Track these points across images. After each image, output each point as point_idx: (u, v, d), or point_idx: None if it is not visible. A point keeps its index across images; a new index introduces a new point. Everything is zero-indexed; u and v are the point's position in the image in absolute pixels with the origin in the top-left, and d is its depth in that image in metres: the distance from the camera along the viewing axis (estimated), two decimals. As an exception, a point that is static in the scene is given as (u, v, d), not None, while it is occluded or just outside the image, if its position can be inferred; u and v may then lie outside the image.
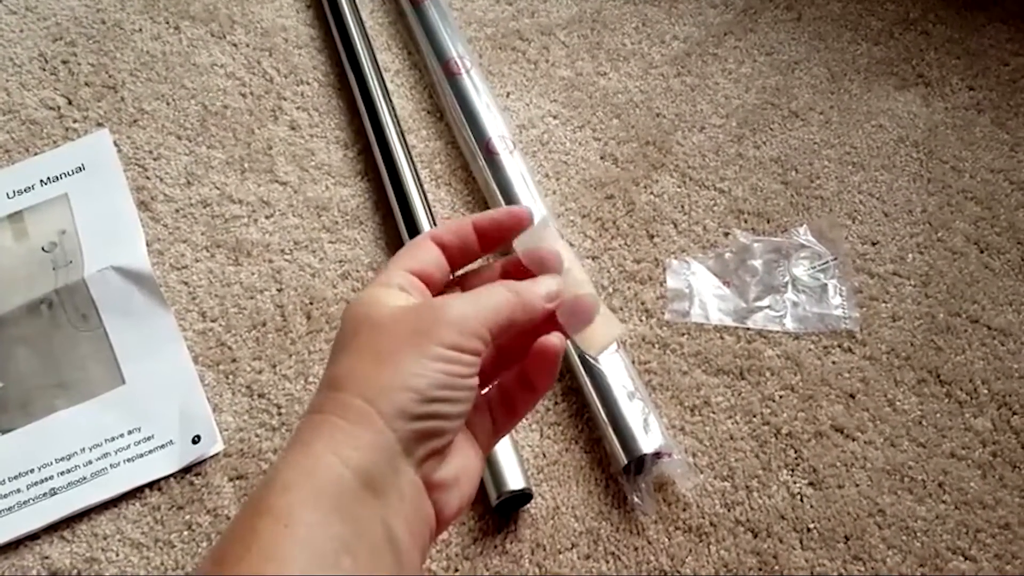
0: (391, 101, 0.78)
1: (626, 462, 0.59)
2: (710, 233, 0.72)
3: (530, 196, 0.71)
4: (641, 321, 0.68)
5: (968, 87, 0.81)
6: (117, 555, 0.58)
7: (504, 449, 0.59)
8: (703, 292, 0.68)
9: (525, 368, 0.40)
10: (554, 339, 0.38)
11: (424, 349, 0.34)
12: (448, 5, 0.85)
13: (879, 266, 0.70)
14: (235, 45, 0.83)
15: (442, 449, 0.35)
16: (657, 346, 0.66)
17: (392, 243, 0.71)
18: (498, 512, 0.59)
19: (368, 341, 0.35)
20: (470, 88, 0.78)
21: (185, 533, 0.59)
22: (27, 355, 0.64)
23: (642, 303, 0.69)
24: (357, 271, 0.70)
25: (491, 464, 0.59)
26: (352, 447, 0.33)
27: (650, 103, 0.80)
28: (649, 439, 0.59)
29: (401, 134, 0.76)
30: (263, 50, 0.83)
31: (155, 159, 0.76)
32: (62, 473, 0.59)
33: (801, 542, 0.59)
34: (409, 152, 0.75)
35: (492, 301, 0.37)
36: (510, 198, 0.71)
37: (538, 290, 0.39)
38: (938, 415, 0.64)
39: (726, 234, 0.72)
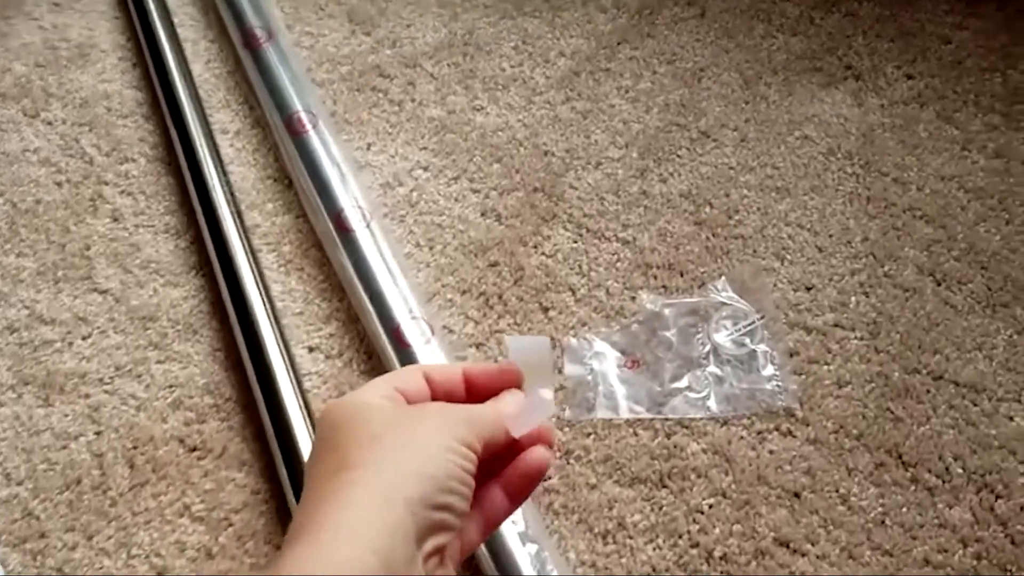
0: (226, 174, 0.63)
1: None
2: (614, 297, 0.57)
3: (393, 283, 0.56)
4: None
5: (906, 75, 0.66)
6: None
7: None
8: (608, 377, 0.53)
9: (507, 480, 0.36)
10: (543, 452, 0.36)
11: (443, 440, 0.33)
12: (293, 44, 0.69)
13: (816, 317, 0.55)
14: (50, 123, 0.67)
15: (443, 548, 0.33)
16: (558, 455, 0.51)
17: (232, 355, 0.56)
18: None
19: (382, 430, 0.33)
20: (318, 148, 0.62)
21: None
22: None
23: (536, 400, 0.53)
24: (191, 397, 0.55)
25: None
26: (376, 529, 0.30)
27: (536, 139, 0.64)
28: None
29: (237, 212, 0.60)
30: (82, 125, 0.67)
31: (-50, 279, 0.60)
32: None
33: None
34: (246, 236, 0.59)
35: (488, 416, 0.35)
36: (368, 284, 0.56)
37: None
38: (904, 510, 0.49)
39: (633, 298, 0.57)
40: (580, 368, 0.54)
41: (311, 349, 0.57)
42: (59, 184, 0.65)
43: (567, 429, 0.53)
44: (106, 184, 0.65)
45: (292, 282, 0.60)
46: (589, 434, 0.52)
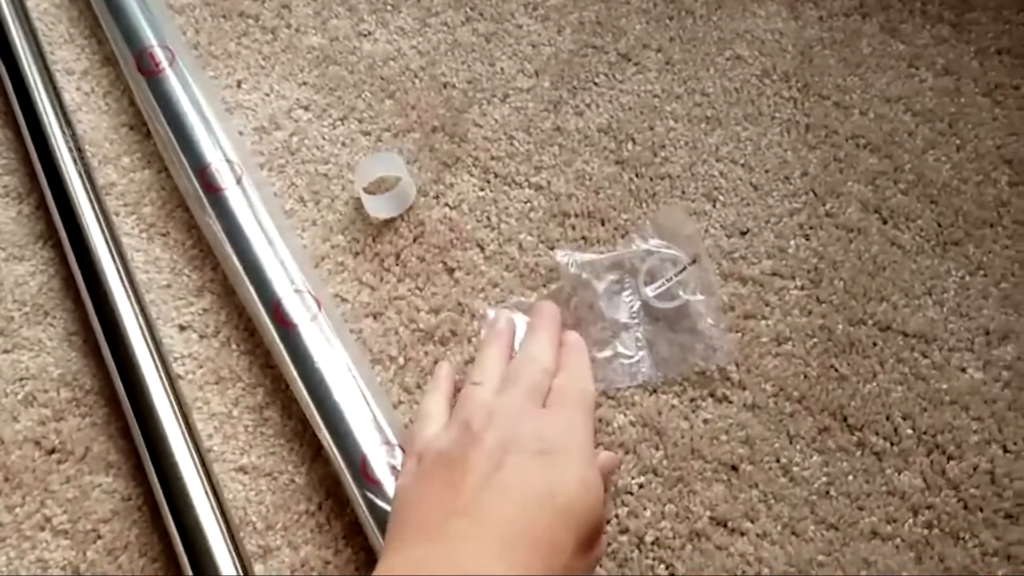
0: (71, 124, 0.56)
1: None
2: (528, 253, 0.53)
3: (271, 251, 0.50)
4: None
5: (845, -18, 0.61)
6: None
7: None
8: None
9: None
10: None
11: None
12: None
13: (753, 266, 0.52)
14: None
15: None
16: (469, 438, 0.47)
17: (92, 339, 0.50)
18: None
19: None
20: (176, 90, 0.56)
21: None
22: None
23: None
24: (45, 391, 0.49)
25: None
26: None
27: (433, 69, 0.59)
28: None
29: (85, 169, 0.53)
30: None
31: None
32: None
33: None
34: (100, 201, 0.53)
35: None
36: (242, 253, 0.51)
37: None
38: (850, 478, 0.47)
39: (551, 248, 0.52)
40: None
41: (182, 328, 0.51)
42: None
43: (479, 407, 0.49)
44: (-71, 140, 0.57)
45: (156, 250, 0.54)
46: (504, 411, 0.48)
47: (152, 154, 0.57)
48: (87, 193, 0.53)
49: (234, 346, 0.51)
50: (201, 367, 0.51)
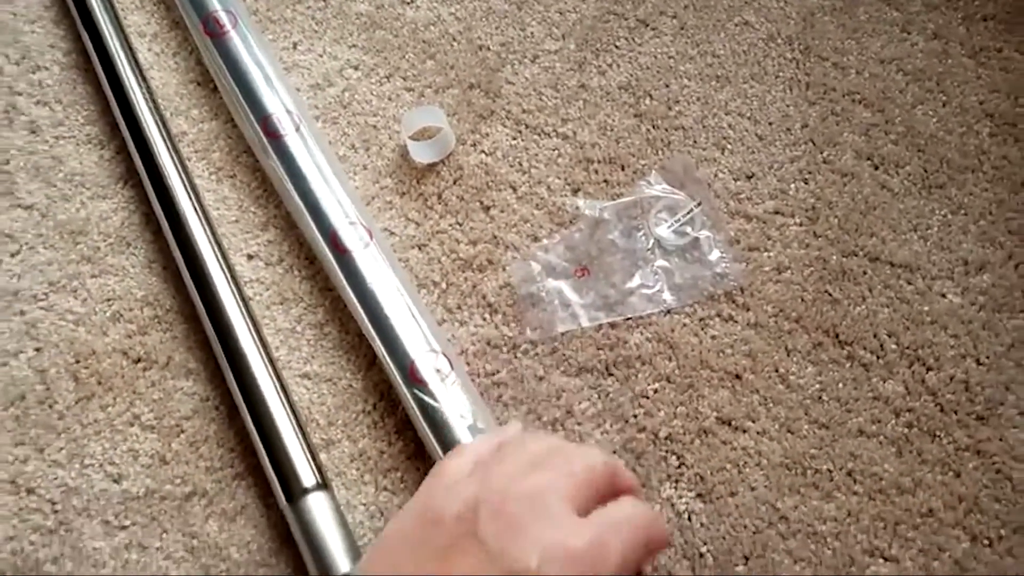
0: (145, 80, 0.65)
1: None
2: (556, 194, 0.62)
3: (327, 188, 0.60)
4: (484, 320, 0.58)
5: (845, -44, 0.71)
6: None
7: (326, 523, 0.51)
8: (563, 291, 0.58)
9: None
10: None
11: None
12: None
13: (756, 206, 0.61)
14: (-52, 30, 0.69)
15: None
16: (505, 349, 0.57)
17: (170, 266, 0.60)
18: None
19: None
20: (240, 49, 0.66)
21: None
22: None
23: (483, 297, 0.59)
24: (130, 310, 0.59)
25: (312, 545, 0.50)
26: None
27: (469, 33, 0.68)
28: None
29: (161, 120, 0.63)
30: (-16, 32, 0.69)
31: None
32: None
33: (694, 571, 0.51)
34: (173, 143, 0.63)
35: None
36: (303, 192, 0.61)
37: None
38: (840, 385, 0.56)
39: (575, 191, 0.62)
40: (533, 285, 0.59)
41: (250, 257, 0.61)
42: (-34, 97, 0.67)
43: (512, 325, 0.58)
44: (19, 95, 0.67)
45: (225, 190, 0.64)
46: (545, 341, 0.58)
47: (218, 107, 0.67)
48: (163, 140, 0.63)
49: (296, 272, 0.61)
50: (267, 290, 0.61)
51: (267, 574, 0.52)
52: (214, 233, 0.60)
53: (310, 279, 0.61)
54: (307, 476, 0.52)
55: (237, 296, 0.58)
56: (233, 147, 0.65)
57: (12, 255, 0.61)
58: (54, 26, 0.70)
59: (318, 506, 0.52)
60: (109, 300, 0.60)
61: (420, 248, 0.61)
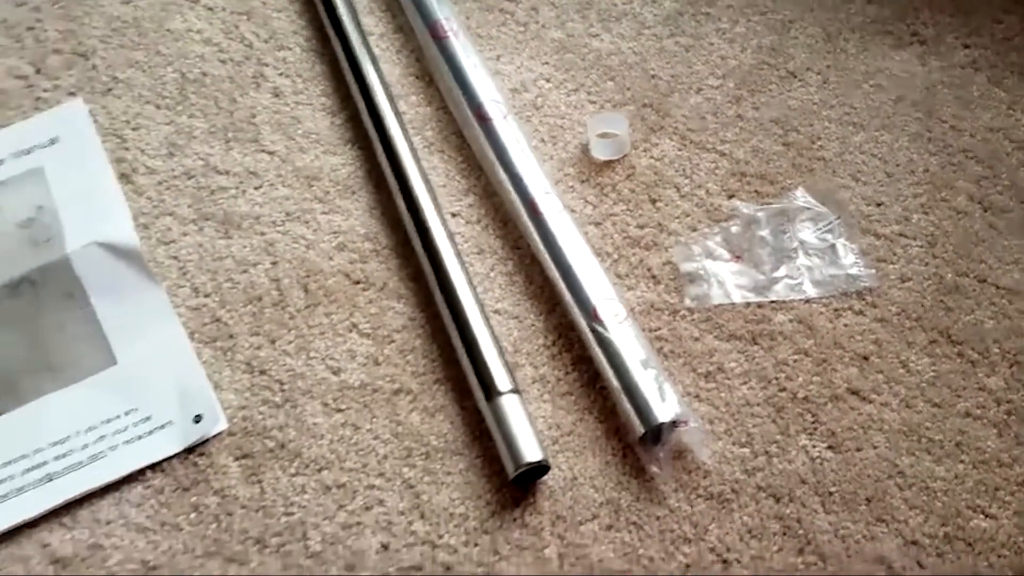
0: (378, 66, 0.77)
1: (643, 431, 0.59)
2: (713, 197, 0.72)
3: (527, 163, 0.71)
4: (648, 288, 0.68)
5: (963, 45, 0.82)
6: (122, 540, 0.57)
7: (518, 420, 0.59)
8: (719, 272, 0.68)
9: None
10: None
11: None
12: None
13: (884, 227, 0.71)
14: (211, 9, 0.81)
15: None
16: (666, 312, 0.67)
17: (388, 212, 0.70)
18: (515, 485, 0.59)
19: None
20: (458, 51, 0.77)
21: (192, 515, 0.58)
22: (10, 338, 0.62)
23: (648, 269, 0.69)
24: (353, 242, 0.69)
25: (506, 436, 0.59)
26: None
27: (644, 64, 0.80)
28: (665, 407, 0.59)
29: (391, 99, 0.75)
30: (240, 14, 0.81)
31: (134, 129, 0.74)
32: (57, 458, 0.58)
33: (823, 505, 0.60)
34: (400, 118, 0.74)
35: None
36: (507, 165, 0.71)
37: None
38: (951, 375, 0.65)
39: (730, 196, 0.72)
40: (693, 264, 0.69)
41: (453, 215, 0.71)
42: (223, 62, 0.79)
43: (673, 294, 0.68)
44: (266, 66, 0.79)
45: (435, 161, 0.74)
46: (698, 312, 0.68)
47: (432, 96, 0.78)
48: (391, 109, 0.74)
49: (491, 231, 0.71)
50: (467, 242, 0.71)
51: (450, 415, 0.61)
52: (430, 187, 0.71)
53: (502, 237, 0.71)
54: (503, 381, 0.61)
55: (447, 234, 0.68)
56: (443, 128, 0.76)
57: (256, 188, 0.72)
58: (297, 16, 0.82)
59: (511, 406, 0.61)
60: (335, 233, 0.70)
61: (596, 225, 0.71)
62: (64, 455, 0.58)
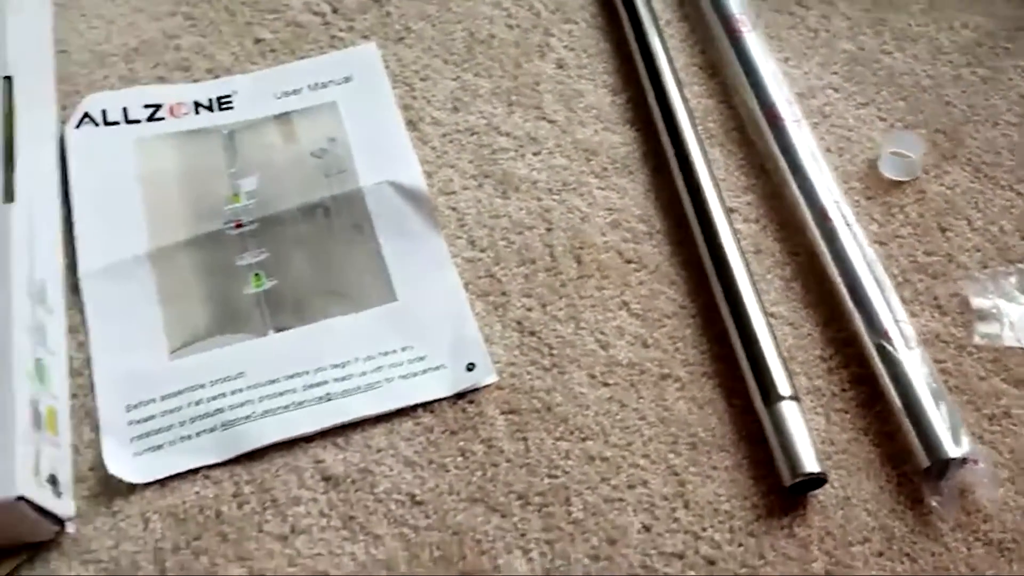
0: (668, 50, 0.76)
1: (929, 463, 0.56)
2: (1007, 236, 0.69)
3: (818, 170, 0.68)
4: (934, 317, 0.65)
5: None
6: (391, 470, 0.57)
7: (798, 428, 0.57)
8: (1011, 314, 0.64)
9: None
10: None
11: None
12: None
13: None
14: (501, -25, 0.81)
15: None
16: (952, 346, 0.63)
17: (663, 197, 0.69)
18: (786, 493, 0.56)
19: None
20: (752, 48, 0.75)
21: (459, 459, 0.58)
22: (302, 257, 0.63)
23: (935, 298, 0.66)
24: (627, 221, 0.68)
25: (784, 443, 0.57)
26: None
27: (939, 89, 0.77)
28: (957, 442, 0.56)
29: (679, 85, 0.73)
30: (529, -17, 0.81)
31: (422, 80, 0.75)
32: (337, 380, 0.59)
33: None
34: (687, 102, 0.72)
35: None
36: (796, 169, 0.69)
37: None
38: None
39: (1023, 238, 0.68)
40: (986, 301, 0.65)
41: (731, 210, 0.69)
42: (510, 27, 0.79)
43: (960, 328, 0.64)
44: (552, 36, 0.79)
45: (716, 154, 0.73)
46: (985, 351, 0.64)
47: (715, 88, 0.77)
48: (678, 93, 0.73)
49: (769, 231, 0.69)
50: (744, 240, 0.68)
51: (718, 410, 0.60)
52: (714, 178, 0.69)
53: (781, 240, 0.68)
54: (784, 386, 0.59)
55: (730, 226, 0.66)
56: (725, 122, 0.74)
57: (534, 154, 0.72)
58: (586, -7, 0.82)
59: (791, 413, 0.58)
60: (610, 209, 0.69)
61: (881, 244, 0.68)
62: (343, 378, 0.59)
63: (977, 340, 0.64)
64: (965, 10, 0.82)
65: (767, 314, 0.63)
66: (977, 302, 0.65)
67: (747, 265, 0.65)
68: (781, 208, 0.69)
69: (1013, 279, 0.66)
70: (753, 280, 0.64)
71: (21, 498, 0.47)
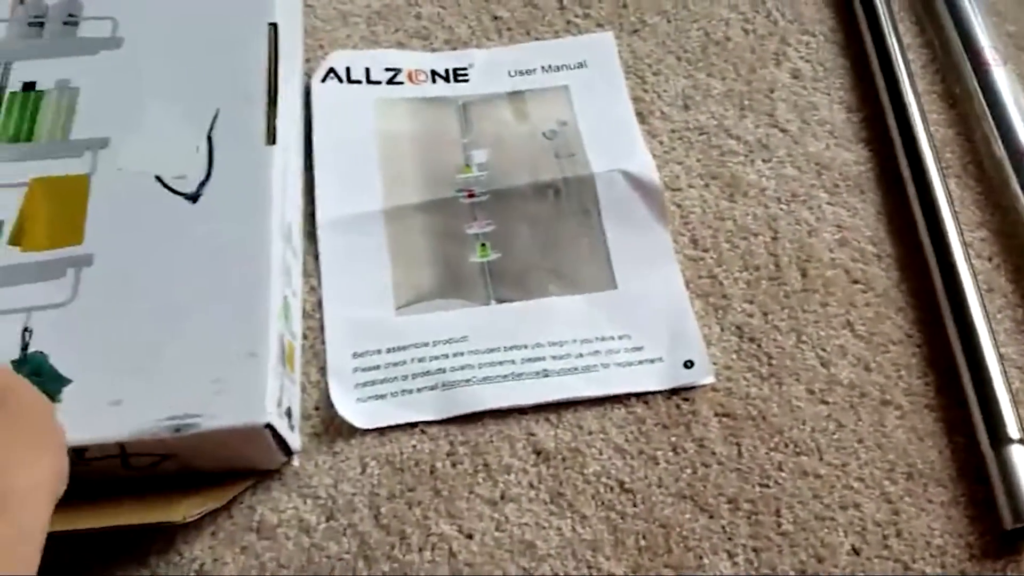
0: (913, 74, 0.73)
1: None
2: None
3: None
4: None
5: None
6: (601, 453, 0.57)
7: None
8: None
9: None
10: None
11: None
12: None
13: None
14: (740, -18, 0.81)
15: None
16: None
17: (896, 221, 0.67)
18: (1006, 537, 0.54)
19: None
20: (1000, 84, 0.73)
21: (670, 454, 0.57)
22: (528, 233, 0.64)
23: None
24: (857, 241, 0.66)
25: (1010, 485, 0.54)
26: None
27: None
28: None
29: (922, 110, 0.71)
30: (769, -9, 0.80)
31: (654, 74, 0.75)
32: (555, 358, 0.59)
33: None
34: (929, 129, 0.70)
35: None
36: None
37: None
38: None
39: None
40: None
41: (965, 244, 0.67)
42: (746, 32, 0.78)
43: None
44: (788, 45, 0.77)
45: (951, 184, 0.70)
46: None
47: (953, 120, 0.74)
48: (921, 119, 0.71)
49: (1003, 271, 0.66)
50: (977, 275, 0.66)
51: (938, 444, 0.57)
52: (953, 208, 0.66)
53: (1015, 281, 0.66)
54: (1013, 429, 0.57)
55: (967, 259, 0.63)
56: (963, 155, 0.72)
57: (764, 160, 0.70)
58: (824, 5, 0.80)
59: (1020, 456, 0.56)
60: (839, 226, 0.67)
61: (1122, 300, 0.65)
62: (561, 357, 0.59)
63: None
64: None
65: (1000, 354, 0.60)
66: None
67: (982, 300, 0.62)
68: (1017, 248, 0.67)
69: None
70: (988, 316, 0.61)
71: (268, 426, 0.49)
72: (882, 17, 0.77)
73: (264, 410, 0.49)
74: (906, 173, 0.69)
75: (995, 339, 0.61)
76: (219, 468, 0.52)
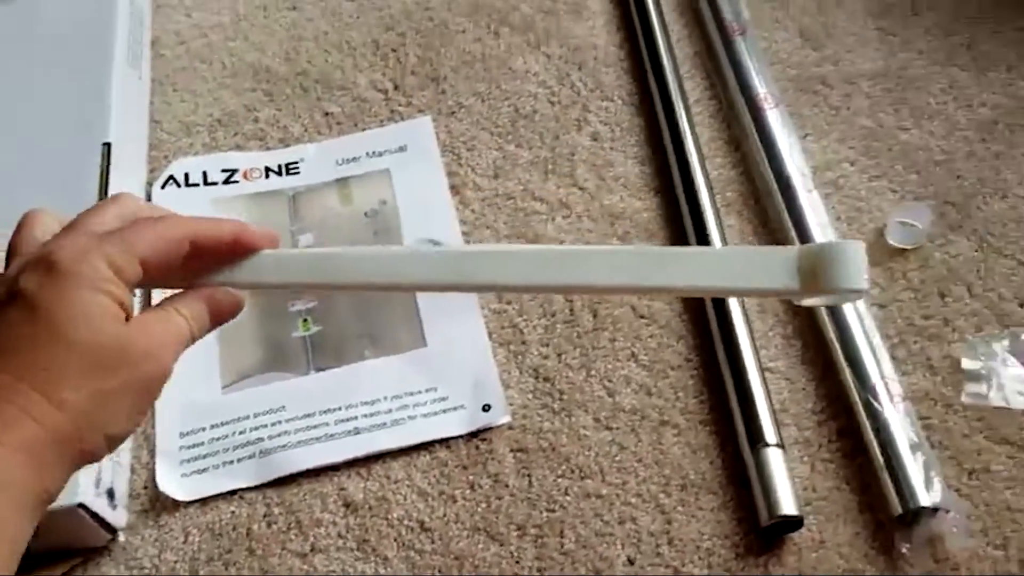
0: (694, 127, 0.82)
1: (901, 511, 0.60)
2: (1005, 302, 0.72)
3: (823, 237, 0.73)
4: (924, 377, 0.68)
5: None
6: (405, 499, 0.64)
7: (779, 473, 0.61)
8: (1001, 376, 0.67)
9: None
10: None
11: None
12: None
13: None
14: (548, 56, 0.89)
15: None
16: (940, 404, 0.67)
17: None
18: (764, 534, 0.61)
19: None
20: (773, 124, 0.81)
21: (467, 491, 0.64)
22: (347, 305, 0.71)
23: (928, 358, 0.69)
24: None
25: (765, 485, 0.61)
26: None
27: (951, 164, 0.80)
28: (930, 493, 0.59)
29: (702, 158, 0.79)
30: (573, 64, 0.89)
31: (468, 150, 0.83)
32: (366, 416, 0.66)
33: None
34: (707, 173, 0.78)
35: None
36: (803, 233, 0.74)
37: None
38: None
39: (1022, 304, 0.71)
40: (977, 363, 0.68)
41: (741, 273, 0.74)
42: (552, 103, 0.86)
43: (948, 388, 0.68)
44: (589, 112, 0.86)
45: (732, 220, 0.78)
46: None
47: (736, 161, 0.82)
48: (699, 165, 0.79)
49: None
50: (750, 300, 0.73)
51: (711, 455, 0.64)
52: (724, 238, 0.74)
53: (785, 301, 0.73)
54: (770, 433, 0.64)
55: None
56: (744, 192, 0.80)
57: (564, 217, 0.78)
58: (623, 73, 0.89)
59: (775, 458, 0.63)
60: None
61: (881, 307, 0.72)
62: (371, 414, 0.66)
63: (965, 399, 0.67)
64: (985, 90, 0.86)
65: (763, 367, 0.67)
66: (967, 363, 0.68)
67: (749, 324, 0.69)
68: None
69: (1005, 342, 0.69)
70: (753, 335, 0.69)
71: (82, 505, 0.55)
72: (668, 77, 0.85)
73: (76, 491, 0.55)
74: (686, 215, 0.77)
75: (759, 355, 0.68)
76: (49, 548, 0.58)
